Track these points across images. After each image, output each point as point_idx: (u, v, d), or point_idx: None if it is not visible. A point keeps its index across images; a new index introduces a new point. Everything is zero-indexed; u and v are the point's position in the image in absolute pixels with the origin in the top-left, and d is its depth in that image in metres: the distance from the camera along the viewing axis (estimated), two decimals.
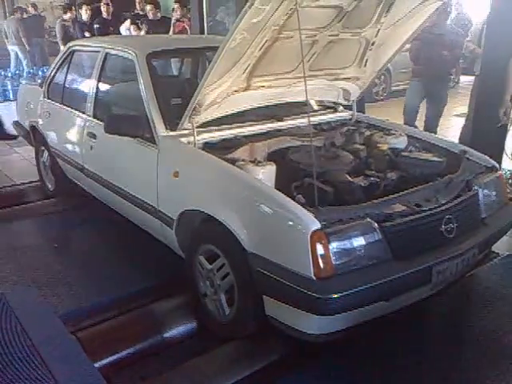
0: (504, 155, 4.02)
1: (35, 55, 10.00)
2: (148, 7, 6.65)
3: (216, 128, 2.68)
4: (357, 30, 2.66)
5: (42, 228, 3.70)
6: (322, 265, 1.88)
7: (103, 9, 7.03)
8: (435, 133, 4.62)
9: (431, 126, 4.91)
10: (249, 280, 2.12)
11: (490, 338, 2.32)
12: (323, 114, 3.21)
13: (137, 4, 7.09)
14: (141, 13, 7.12)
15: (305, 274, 1.89)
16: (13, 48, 9.66)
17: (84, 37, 6.91)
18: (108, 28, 6.90)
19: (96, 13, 7.34)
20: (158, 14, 6.69)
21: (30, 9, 10.55)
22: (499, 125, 3.75)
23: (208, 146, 2.56)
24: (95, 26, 6.99)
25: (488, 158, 2.71)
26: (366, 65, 2.96)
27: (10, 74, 8.42)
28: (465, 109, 4.88)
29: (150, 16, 6.63)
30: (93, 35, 6.78)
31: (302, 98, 2.58)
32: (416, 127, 4.89)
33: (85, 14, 7.28)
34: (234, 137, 2.69)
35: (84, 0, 7.51)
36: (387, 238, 2.02)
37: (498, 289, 2.72)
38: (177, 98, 3.02)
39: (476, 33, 4.62)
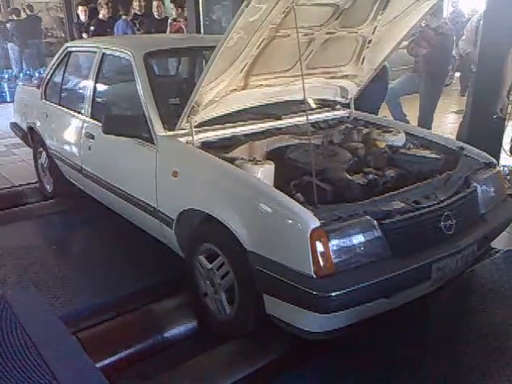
0: (502, 151, 4.03)
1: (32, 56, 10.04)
2: (155, 3, 6.58)
3: (214, 127, 2.68)
4: (353, 27, 2.66)
5: (41, 229, 3.69)
6: (321, 263, 1.88)
7: (102, 9, 6.95)
8: (429, 129, 4.63)
9: (424, 123, 4.91)
10: (249, 279, 2.12)
11: (490, 334, 2.32)
12: (321, 112, 3.21)
13: (134, 3, 7.01)
14: (138, 13, 7.07)
15: (305, 272, 1.89)
16: None
17: (81, 38, 6.89)
18: (104, 29, 6.85)
19: (92, 13, 7.28)
20: (163, 14, 6.68)
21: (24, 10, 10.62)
22: (495, 116, 3.75)
23: (206, 146, 2.56)
24: (91, 27, 6.92)
25: (486, 154, 2.72)
26: (363, 62, 2.96)
27: (6, 76, 8.39)
28: (462, 105, 4.89)
29: (156, 14, 6.61)
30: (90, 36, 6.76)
31: (299, 97, 2.58)
32: (406, 119, 4.92)
33: (82, 14, 7.24)
34: (233, 136, 2.69)
35: (80, 0, 7.46)
36: (386, 236, 2.02)
37: (498, 284, 2.72)
38: (174, 98, 3.01)
39: (472, 30, 4.60)
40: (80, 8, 7.32)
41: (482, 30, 3.93)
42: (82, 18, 7.24)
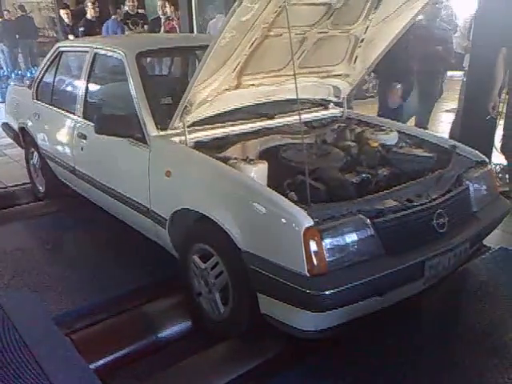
0: (493, 149, 4.06)
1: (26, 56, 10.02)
2: (159, 3, 6.77)
3: (207, 127, 2.67)
4: (346, 26, 2.66)
5: (34, 230, 3.66)
6: (315, 261, 1.88)
7: (89, 10, 6.92)
8: (426, 128, 4.64)
9: (423, 121, 4.92)
10: (243, 278, 2.12)
11: (483, 332, 2.33)
12: (314, 112, 3.22)
13: (128, 3, 7.00)
14: (131, 13, 7.04)
15: (298, 271, 1.89)
16: None
17: (67, 39, 6.86)
18: (94, 29, 6.81)
19: (80, 14, 7.26)
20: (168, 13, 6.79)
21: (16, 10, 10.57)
22: (488, 117, 3.78)
23: (200, 145, 2.55)
24: (80, 29, 6.88)
25: (478, 152, 2.74)
26: (355, 62, 2.96)
27: None
28: (455, 104, 4.91)
29: (161, 14, 6.70)
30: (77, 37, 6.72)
31: (292, 96, 2.58)
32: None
33: (65, 17, 7.26)
34: (226, 135, 2.69)
35: (62, 5, 7.49)
36: (379, 234, 2.03)
37: (490, 282, 2.73)
38: (167, 98, 3.01)
39: (465, 27, 4.63)
40: (62, 11, 7.35)
41: (474, 29, 3.96)
42: (66, 20, 7.26)
